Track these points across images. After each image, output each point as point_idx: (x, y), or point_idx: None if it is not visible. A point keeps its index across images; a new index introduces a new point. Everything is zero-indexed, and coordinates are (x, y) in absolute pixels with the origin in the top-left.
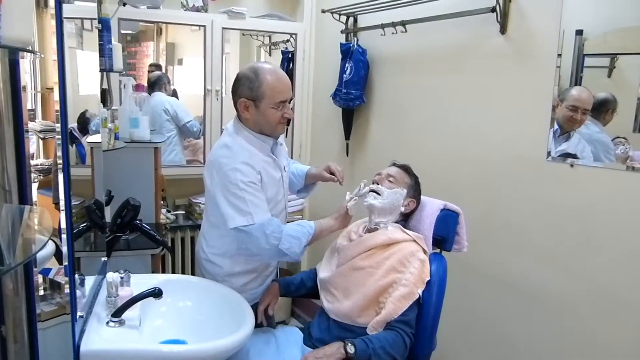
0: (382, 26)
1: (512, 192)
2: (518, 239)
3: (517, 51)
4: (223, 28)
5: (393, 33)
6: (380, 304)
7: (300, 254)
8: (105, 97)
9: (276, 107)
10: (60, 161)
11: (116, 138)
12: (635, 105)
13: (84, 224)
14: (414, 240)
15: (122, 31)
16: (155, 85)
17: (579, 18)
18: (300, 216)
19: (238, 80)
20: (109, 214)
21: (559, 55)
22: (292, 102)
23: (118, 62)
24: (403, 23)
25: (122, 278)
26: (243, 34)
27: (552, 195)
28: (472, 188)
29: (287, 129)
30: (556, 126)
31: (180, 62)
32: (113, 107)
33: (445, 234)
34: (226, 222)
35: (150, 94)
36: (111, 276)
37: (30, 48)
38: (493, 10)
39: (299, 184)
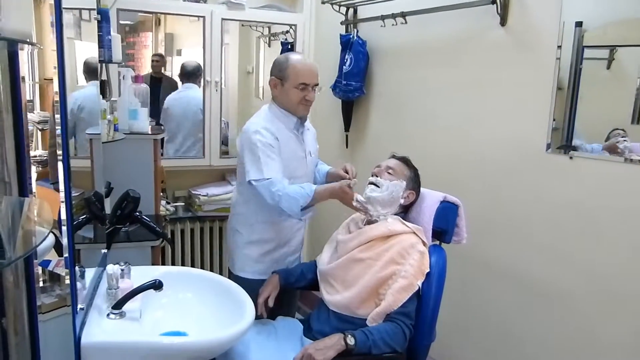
0: (382, 17)
1: (511, 184)
2: (518, 231)
3: (518, 43)
4: (222, 19)
5: (393, 24)
6: (380, 295)
7: (299, 214)
8: (104, 88)
9: (298, 88)
10: (60, 152)
11: (115, 130)
12: (634, 97)
13: (84, 216)
14: (414, 232)
15: (121, 22)
16: (191, 76)
17: (578, 10)
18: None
19: (273, 63)
20: (108, 205)
21: (559, 47)
22: (317, 88)
23: (117, 53)
24: (403, 14)
25: (122, 270)
26: (242, 25)
27: (552, 187)
28: (472, 180)
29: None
30: None
31: (179, 52)
32: (112, 99)
33: (444, 226)
34: (246, 179)
35: (183, 83)
36: (111, 268)
37: (29, 40)
38: (493, 2)
39: (322, 182)
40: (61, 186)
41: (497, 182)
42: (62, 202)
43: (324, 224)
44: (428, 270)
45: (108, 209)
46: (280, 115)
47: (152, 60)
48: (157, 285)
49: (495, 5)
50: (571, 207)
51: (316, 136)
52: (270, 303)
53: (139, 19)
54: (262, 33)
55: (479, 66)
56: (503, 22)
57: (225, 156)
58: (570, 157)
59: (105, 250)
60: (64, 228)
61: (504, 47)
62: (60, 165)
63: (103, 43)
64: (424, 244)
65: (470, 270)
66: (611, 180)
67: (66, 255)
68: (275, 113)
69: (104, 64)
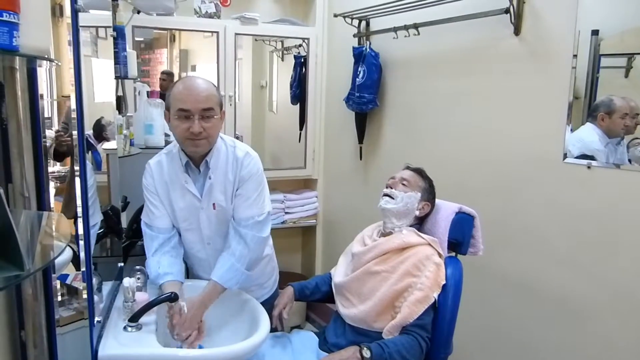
0: (395, 29)
1: (528, 194)
2: (535, 241)
3: (532, 52)
4: (236, 34)
5: (406, 36)
6: (396, 308)
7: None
8: (120, 104)
9: (178, 117)
10: (77, 167)
11: (131, 144)
12: None
13: (101, 230)
14: (429, 244)
15: (136, 39)
16: None
17: (594, 18)
18: (314, 221)
19: None
20: (125, 219)
21: (575, 55)
22: (212, 117)
23: (133, 69)
24: (416, 26)
25: (138, 282)
26: (256, 40)
27: (569, 197)
28: (487, 191)
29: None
30: (606, 137)
31: (193, 68)
32: (128, 114)
33: (460, 237)
34: None
35: None
36: (127, 281)
37: (47, 56)
38: (507, 11)
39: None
40: (78, 201)
41: (513, 192)
42: (80, 217)
43: (339, 235)
44: (444, 282)
45: (124, 223)
46: (175, 153)
47: (160, 79)
48: (172, 298)
49: (509, 14)
50: (589, 217)
51: (253, 179)
52: (285, 316)
53: (154, 36)
54: (275, 47)
55: (493, 76)
56: (517, 31)
57: None
58: (588, 167)
59: (122, 264)
60: (82, 242)
61: (518, 57)
62: (77, 180)
63: (119, 59)
64: (440, 255)
65: (486, 281)
66: (630, 190)
67: (84, 269)
68: (169, 150)
69: (119, 80)
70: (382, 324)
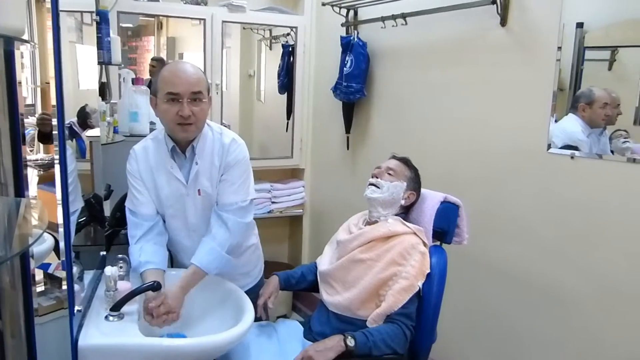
0: (383, 19)
1: (513, 184)
2: (519, 231)
3: (518, 44)
4: (223, 21)
5: (393, 26)
6: (381, 297)
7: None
8: (104, 90)
9: (166, 101)
10: (56, 156)
11: (115, 132)
12: (638, 99)
13: (83, 218)
14: (414, 233)
15: (122, 25)
16: None
17: (579, 11)
18: (301, 210)
19: None
20: (108, 208)
21: (559, 48)
22: (201, 100)
23: (116, 55)
24: (403, 16)
25: (120, 271)
26: (244, 28)
27: (553, 187)
28: (473, 180)
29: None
30: (588, 128)
31: (181, 56)
32: (112, 101)
33: (445, 226)
34: None
35: None
36: (110, 270)
37: (24, 37)
38: (493, 2)
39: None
40: (58, 188)
41: (499, 182)
42: (59, 204)
43: (326, 225)
44: (429, 271)
45: (108, 211)
46: (161, 138)
47: (150, 65)
48: (155, 287)
49: (495, 5)
50: (573, 207)
51: (238, 165)
52: (270, 305)
53: (140, 23)
54: (264, 36)
55: (480, 67)
56: (503, 22)
57: None
58: (572, 157)
59: (104, 253)
60: (62, 230)
61: (504, 48)
62: (57, 167)
63: (102, 45)
64: (425, 244)
65: (471, 270)
66: (613, 181)
67: (63, 258)
68: (155, 136)
69: (103, 66)
70: (367, 312)
